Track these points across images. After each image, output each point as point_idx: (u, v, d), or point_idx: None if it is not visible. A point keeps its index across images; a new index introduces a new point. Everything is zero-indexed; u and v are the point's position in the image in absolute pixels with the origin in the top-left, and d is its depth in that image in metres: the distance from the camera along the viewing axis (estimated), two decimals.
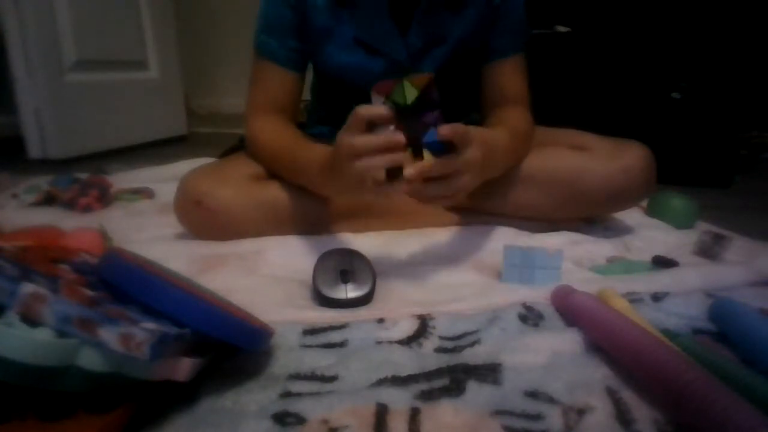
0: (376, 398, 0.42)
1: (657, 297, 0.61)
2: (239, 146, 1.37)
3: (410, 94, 0.54)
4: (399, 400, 0.42)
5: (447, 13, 0.81)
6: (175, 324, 0.39)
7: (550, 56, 1.45)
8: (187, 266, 0.69)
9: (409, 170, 0.54)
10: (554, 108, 1.08)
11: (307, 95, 0.95)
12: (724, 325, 0.53)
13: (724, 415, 0.35)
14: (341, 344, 0.52)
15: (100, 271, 0.44)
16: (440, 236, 0.82)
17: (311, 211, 0.80)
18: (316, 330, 0.54)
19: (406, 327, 0.55)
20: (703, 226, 0.92)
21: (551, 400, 0.42)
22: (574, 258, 0.75)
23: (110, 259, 0.44)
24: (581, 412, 0.41)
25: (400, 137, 0.54)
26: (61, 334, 0.34)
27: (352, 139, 0.56)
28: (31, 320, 0.34)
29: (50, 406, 0.34)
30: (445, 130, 0.54)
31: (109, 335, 0.35)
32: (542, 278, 0.65)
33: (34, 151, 1.53)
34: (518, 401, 0.42)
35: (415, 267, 0.72)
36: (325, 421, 0.39)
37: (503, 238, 0.80)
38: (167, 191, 0.97)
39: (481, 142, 0.60)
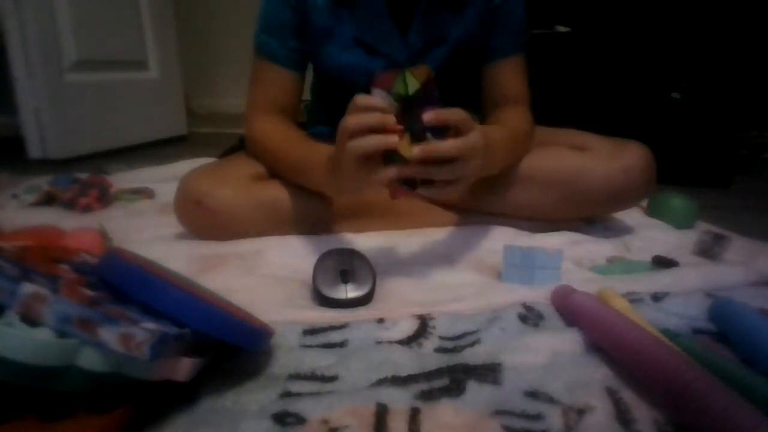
0: (376, 398, 0.42)
1: (657, 297, 0.61)
2: (239, 146, 1.37)
3: (412, 84, 0.54)
4: (399, 400, 0.42)
5: (447, 13, 0.81)
6: (175, 324, 0.39)
7: (550, 56, 1.45)
8: (187, 266, 0.69)
9: (416, 150, 0.54)
10: (554, 108, 1.09)
11: (307, 95, 0.95)
12: (724, 325, 0.53)
13: (724, 415, 0.35)
14: (341, 344, 0.52)
15: (100, 271, 0.44)
16: (440, 236, 0.82)
17: (311, 211, 0.80)
18: (316, 330, 0.54)
19: (406, 327, 0.55)
20: (703, 226, 0.92)
21: (551, 400, 0.42)
22: (574, 258, 0.75)
23: (110, 259, 0.44)
24: (581, 412, 0.41)
25: (390, 117, 0.54)
26: (61, 334, 0.34)
27: (347, 120, 0.56)
28: (31, 320, 0.34)
29: (50, 406, 0.34)
30: (447, 113, 0.54)
31: (109, 335, 0.35)
32: (542, 278, 0.65)
33: (34, 151, 1.53)
34: (518, 401, 0.42)
35: (415, 267, 0.72)
36: (325, 421, 0.39)
37: (503, 238, 0.80)
38: (167, 191, 0.97)
39: (482, 132, 0.60)
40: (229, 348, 0.45)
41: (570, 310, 0.56)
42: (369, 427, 0.39)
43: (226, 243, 0.76)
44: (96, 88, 1.66)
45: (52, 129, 1.53)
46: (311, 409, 0.41)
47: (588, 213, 0.87)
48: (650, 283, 0.65)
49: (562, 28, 1.46)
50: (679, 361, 0.41)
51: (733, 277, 0.67)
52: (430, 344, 0.52)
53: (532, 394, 0.43)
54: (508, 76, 0.87)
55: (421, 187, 0.59)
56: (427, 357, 0.50)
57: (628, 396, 0.43)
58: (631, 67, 1.41)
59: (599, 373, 0.46)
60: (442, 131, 0.57)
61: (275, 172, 0.80)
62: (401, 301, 0.62)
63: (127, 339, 0.35)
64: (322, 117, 0.96)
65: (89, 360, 0.34)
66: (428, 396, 0.43)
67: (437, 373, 0.46)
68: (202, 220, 0.76)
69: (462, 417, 0.40)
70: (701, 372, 0.39)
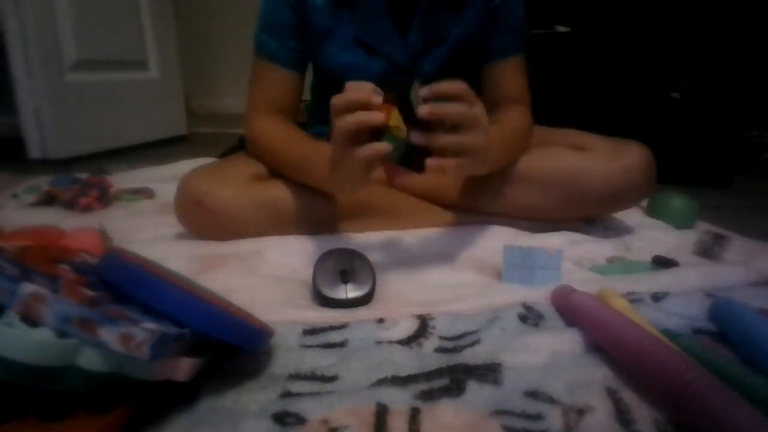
0: (376, 398, 0.42)
1: (657, 297, 0.61)
2: (239, 146, 1.37)
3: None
4: (399, 400, 0.42)
5: (447, 13, 0.81)
6: (175, 324, 0.39)
7: (550, 56, 1.45)
8: (187, 266, 0.69)
9: (425, 89, 0.54)
10: (554, 108, 1.09)
11: (307, 95, 0.95)
12: (724, 325, 0.53)
13: (724, 415, 0.35)
14: (341, 344, 0.52)
15: (100, 271, 0.44)
16: (440, 236, 0.82)
17: (311, 211, 0.80)
18: (316, 330, 0.54)
19: (406, 327, 0.55)
20: (703, 226, 0.92)
21: (551, 400, 0.42)
22: (574, 258, 0.75)
23: (110, 259, 0.44)
24: (581, 412, 0.41)
25: (377, 98, 0.55)
26: (61, 334, 0.34)
27: (333, 100, 0.57)
28: (31, 320, 0.34)
29: (50, 406, 0.34)
30: (446, 84, 0.55)
31: (109, 335, 0.35)
32: (542, 278, 0.65)
33: (34, 151, 1.53)
34: (518, 401, 0.42)
35: (415, 267, 0.72)
36: (325, 421, 0.39)
37: (503, 238, 0.80)
38: (167, 191, 0.97)
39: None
40: (229, 348, 0.45)
41: (570, 310, 0.56)
42: (369, 427, 0.39)
43: (226, 243, 0.76)
44: (96, 88, 1.66)
45: (52, 129, 1.53)
46: (311, 409, 0.41)
47: (588, 213, 0.87)
48: (650, 283, 0.65)
49: (562, 28, 1.46)
50: (679, 361, 0.41)
51: (733, 277, 0.67)
52: (430, 344, 0.52)
53: (532, 394, 0.43)
54: (508, 76, 0.87)
55: (429, 160, 0.57)
56: (427, 357, 0.50)
57: (628, 396, 0.43)
58: (631, 67, 1.41)
59: (599, 373, 0.46)
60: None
61: (277, 171, 0.80)
62: (401, 301, 0.62)
63: (127, 339, 0.35)
64: (322, 117, 0.96)
65: (89, 360, 0.34)
66: (428, 396, 0.43)
67: (437, 373, 0.46)
68: (202, 220, 0.76)
69: (462, 417, 0.41)
70: (701, 372, 0.39)
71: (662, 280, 0.65)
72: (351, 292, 0.60)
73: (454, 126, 0.58)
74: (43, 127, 1.52)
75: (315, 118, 0.98)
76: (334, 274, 0.61)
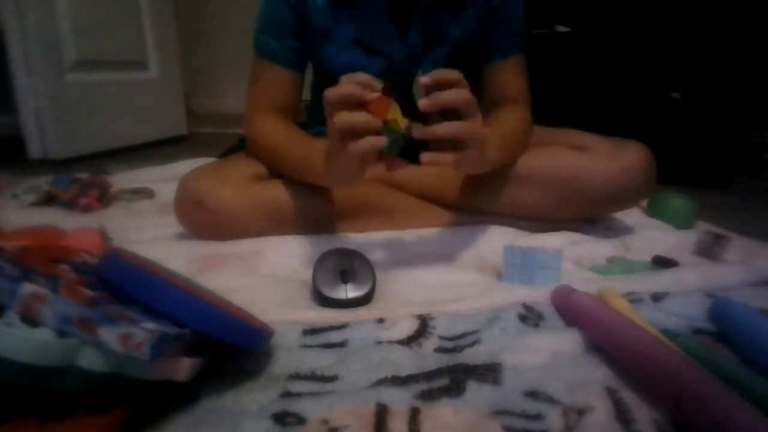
0: (376, 398, 0.42)
1: (657, 297, 0.61)
2: (239, 146, 1.37)
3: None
4: (399, 400, 0.42)
5: (447, 13, 0.81)
6: (175, 324, 0.39)
7: (550, 56, 1.45)
8: (187, 266, 0.69)
9: (426, 78, 0.54)
10: (554, 108, 1.09)
11: (307, 95, 0.95)
12: (724, 325, 0.53)
13: (724, 415, 0.35)
14: (341, 344, 0.52)
15: (100, 271, 0.44)
16: (440, 236, 0.82)
17: (311, 211, 0.80)
18: (316, 330, 0.54)
19: (406, 327, 0.55)
20: (703, 226, 0.92)
21: (551, 400, 0.42)
22: (574, 258, 0.75)
23: (110, 259, 0.44)
24: (581, 412, 0.41)
25: (371, 94, 0.54)
26: (61, 334, 0.34)
27: (325, 95, 0.56)
28: (31, 320, 0.34)
29: (50, 406, 0.34)
30: (445, 72, 0.55)
31: (109, 335, 0.35)
32: (542, 278, 0.65)
33: (34, 151, 1.53)
34: (518, 401, 0.42)
35: (415, 267, 0.72)
36: (325, 421, 0.39)
37: (503, 238, 0.80)
38: (167, 191, 0.97)
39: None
40: (229, 348, 0.45)
41: (570, 310, 0.56)
42: (369, 427, 0.39)
43: (226, 243, 0.76)
44: (96, 88, 1.66)
45: (52, 129, 1.53)
46: (311, 409, 0.41)
47: (588, 213, 0.87)
48: (650, 283, 0.65)
49: (562, 28, 1.46)
50: (679, 361, 0.41)
51: (733, 277, 0.67)
52: (430, 344, 0.52)
53: (532, 394, 0.43)
54: (508, 76, 0.87)
55: (423, 154, 0.57)
56: (427, 357, 0.50)
57: (628, 396, 0.43)
58: (631, 67, 1.41)
59: (599, 373, 0.46)
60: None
61: (277, 171, 0.80)
62: (401, 301, 0.62)
63: (127, 339, 0.35)
64: (322, 117, 0.96)
65: (89, 360, 0.34)
66: (428, 396, 0.43)
67: (437, 373, 0.46)
68: (202, 220, 0.76)
69: (462, 417, 0.40)
70: (701, 372, 0.39)
71: (662, 280, 0.65)
72: (351, 292, 0.60)
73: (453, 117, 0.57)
74: (43, 127, 1.52)
75: (315, 118, 0.98)
76: (334, 274, 0.61)
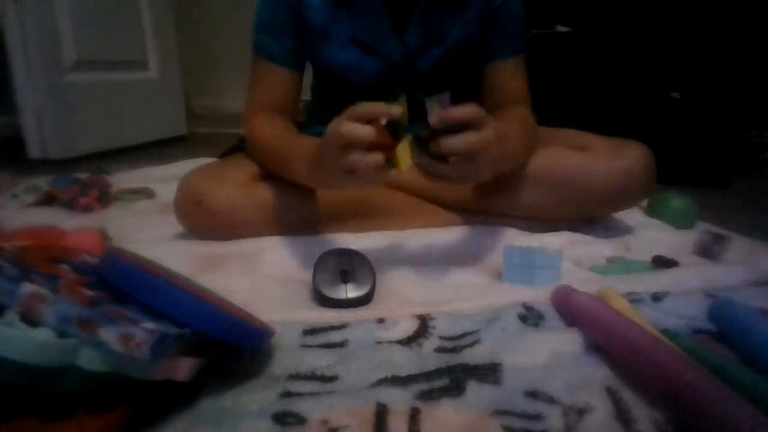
0: (376, 398, 0.42)
1: (657, 297, 0.61)
2: (239, 146, 1.37)
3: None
4: (399, 400, 0.42)
5: (445, 13, 0.81)
6: (175, 324, 0.39)
7: (550, 56, 1.45)
8: (187, 266, 0.69)
9: (434, 118, 0.53)
10: (554, 108, 1.08)
11: (307, 95, 0.95)
12: (724, 325, 0.53)
13: (724, 415, 0.35)
14: (341, 344, 0.52)
15: (100, 271, 0.44)
16: (440, 236, 0.82)
17: (311, 212, 0.80)
18: (316, 330, 0.54)
19: (406, 327, 0.55)
20: (703, 226, 0.92)
21: (551, 400, 0.42)
22: (574, 258, 0.75)
23: (110, 259, 0.44)
24: (581, 412, 0.41)
25: (386, 137, 0.54)
26: (61, 334, 0.34)
27: (339, 127, 0.55)
28: (31, 320, 0.34)
29: (50, 406, 0.34)
30: (458, 109, 0.54)
31: (109, 335, 0.35)
32: (542, 278, 0.65)
33: (34, 151, 1.53)
34: (518, 401, 0.42)
35: (415, 267, 0.72)
36: (325, 421, 0.39)
37: (503, 238, 0.80)
38: (167, 191, 0.97)
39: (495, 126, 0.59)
40: (229, 348, 0.45)
41: (570, 310, 0.56)
42: (369, 427, 0.39)
43: (226, 243, 0.76)
44: (96, 88, 1.66)
45: (52, 129, 1.53)
46: (311, 409, 0.41)
47: (588, 213, 0.87)
48: (650, 283, 0.65)
49: (562, 28, 1.46)
50: (679, 361, 0.41)
51: (733, 277, 0.67)
52: (430, 344, 0.52)
53: (532, 394, 0.43)
54: (509, 77, 0.87)
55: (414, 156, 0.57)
56: (427, 357, 0.50)
57: (628, 396, 0.43)
58: (631, 67, 1.41)
59: (599, 373, 0.46)
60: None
61: (267, 168, 0.80)
62: (401, 301, 0.62)
63: (127, 339, 0.35)
64: (321, 116, 0.96)
65: (89, 360, 0.34)
66: (428, 396, 0.43)
67: (437, 373, 0.46)
68: (202, 220, 0.76)
69: (462, 417, 0.41)
70: (701, 372, 0.39)
71: (662, 280, 0.65)
72: (351, 292, 0.60)
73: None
74: (43, 127, 1.52)
75: (315, 118, 0.98)
76: (334, 274, 0.61)
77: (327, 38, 0.82)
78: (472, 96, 0.90)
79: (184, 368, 0.39)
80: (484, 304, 0.60)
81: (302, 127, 0.92)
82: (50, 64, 1.51)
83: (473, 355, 0.49)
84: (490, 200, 0.84)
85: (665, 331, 0.51)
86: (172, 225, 0.81)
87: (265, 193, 0.78)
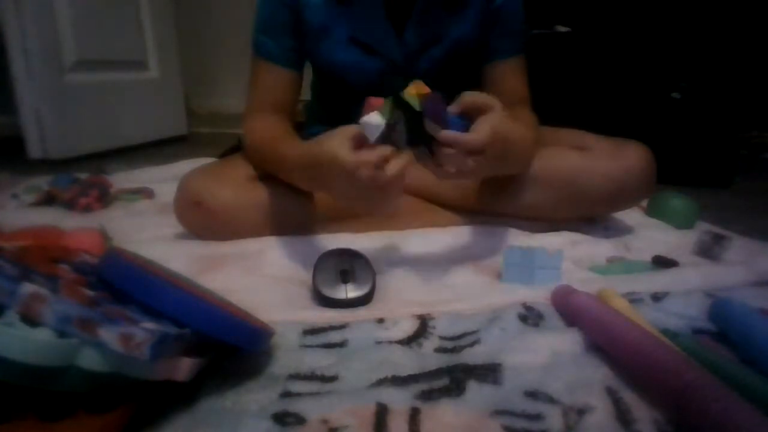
0: (376, 398, 0.42)
1: (657, 297, 0.61)
2: (239, 146, 1.37)
3: (413, 101, 0.55)
4: (399, 400, 0.42)
5: (444, 13, 0.81)
6: (175, 324, 0.39)
7: (550, 56, 1.45)
8: (187, 266, 0.69)
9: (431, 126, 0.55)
10: (554, 108, 1.08)
11: (306, 95, 0.95)
12: (724, 325, 0.53)
13: (724, 415, 0.35)
14: (341, 344, 0.52)
15: (100, 271, 0.44)
16: (440, 236, 0.82)
17: (311, 212, 0.80)
18: (316, 330, 0.54)
19: (406, 327, 0.55)
20: (703, 226, 0.92)
21: (551, 400, 0.42)
22: (574, 258, 0.75)
23: (110, 259, 0.44)
24: (581, 412, 0.41)
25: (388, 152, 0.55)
26: (61, 334, 0.34)
27: (342, 157, 0.55)
28: (31, 320, 0.34)
29: (50, 406, 0.34)
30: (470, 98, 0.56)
31: (109, 335, 0.35)
32: (542, 278, 0.65)
33: (34, 151, 1.53)
34: (518, 401, 0.42)
35: (415, 267, 0.72)
36: (325, 421, 0.39)
37: (503, 238, 0.80)
38: (167, 191, 0.97)
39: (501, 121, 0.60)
40: (229, 348, 0.45)
41: (570, 310, 0.56)
42: (369, 427, 0.39)
43: (226, 243, 0.76)
44: (96, 88, 1.66)
45: (52, 129, 1.53)
46: (311, 409, 0.41)
47: (588, 213, 0.87)
48: (650, 283, 0.65)
49: (562, 28, 1.46)
50: (679, 361, 0.41)
51: (733, 277, 0.67)
52: (430, 344, 0.52)
53: (532, 394, 0.43)
54: (510, 77, 0.87)
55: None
56: (427, 357, 0.50)
57: (628, 396, 0.43)
58: (631, 67, 1.41)
59: (599, 373, 0.46)
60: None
61: (262, 168, 0.80)
62: (401, 301, 0.62)
63: (127, 339, 0.35)
64: (321, 116, 0.96)
65: (89, 360, 0.34)
66: (428, 396, 0.43)
67: (437, 373, 0.46)
68: (202, 220, 0.76)
69: (462, 417, 0.40)
70: (701, 372, 0.39)
71: (662, 280, 0.65)
72: (351, 292, 0.60)
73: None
74: (43, 127, 1.52)
75: (314, 118, 0.98)
76: (334, 274, 0.61)
77: (326, 38, 0.82)
78: None
79: (184, 368, 0.39)
80: (484, 304, 0.60)
81: (302, 127, 0.92)
82: (50, 64, 1.51)
83: (473, 355, 0.49)
84: (490, 200, 0.84)
85: (665, 331, 0.51)
86: (172, 225, 0.81)
87: (264, 193, 0.78)
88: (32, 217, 0.93)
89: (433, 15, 0.80)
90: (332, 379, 0.46)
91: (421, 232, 0.83)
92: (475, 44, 0.84)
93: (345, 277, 0.61)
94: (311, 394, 0.43)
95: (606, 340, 0.48)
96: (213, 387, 0.44)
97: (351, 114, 0.61)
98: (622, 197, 0.81)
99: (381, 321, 0.56)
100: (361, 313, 0.59)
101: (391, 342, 0.52)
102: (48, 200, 1.02)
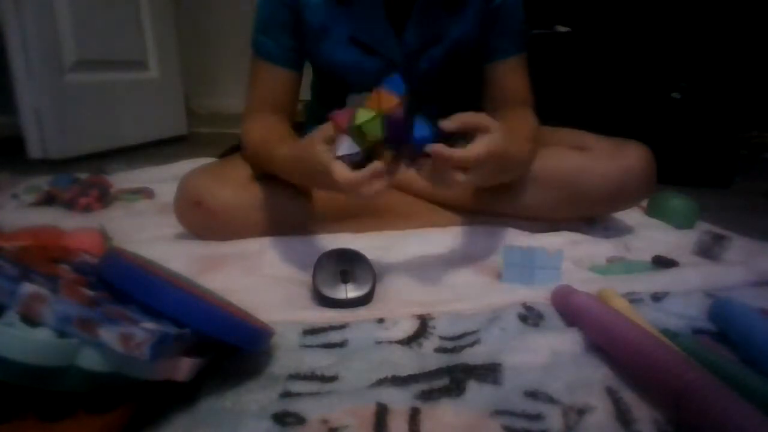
0: (376, 398, 0.42)
1: (657, 297, 0.61)
2: (239, 146, 1.37)
3: (373, 129, 0.53)
4: (399, 400, 0.42)
5: (444, 13, 0.81)
6: (175, 324, 0.39)
7: (550, 56, 1.45)
8: (187, 266, 0.69)
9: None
10: (554, 108, 1.08)
11: (306, 95, 0.94)
12: (724, 325, 0.53)
13: (724, 415, 0.35)
14: (341, 344, 0.52)
15: (100, 271, 0.44)
16: (440, 236, 0.82)
17: (311, 212, 0.80)
18: (316, 330, 0.54)
19: (406, 327, 0.55)
20: (703, 226, 0.92)
21: (551, 400, 0.42)
22: (574, 258, 0.75)
23: (110, 259, 0.44)
24: (581, 412, 0.41)
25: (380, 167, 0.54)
26: (61, 334, 0.34)
27: (335, 177, 0.55)
28: (31, 320, 0.34)
29: (50, 406, 0.34)
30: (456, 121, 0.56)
31: (109, 335, 0.35)
32: (542, 278, 0.65)
33: (34, 151, 1.53)
34: (518, 401, 0.42)
35: (415, 267, 0.72)
36: (325, 421, 0.39)
37: (503, 238, 0.80)
38: (167, 191, 0.97)
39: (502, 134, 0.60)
40: (229, 348, 0.45)
41: (570, 310, 0.56)
42: (369, 427, 0.39)
43: (226, 243, 0.76)
44: (96, 88, 1.66)
45: (52, 129, 1.53)
46: (311, 409, 0.41)
47: (588, 213, 0.87)
48: (650, 283, 0.65)
49: (562, 28, 1.46)
50: (679, 361, 0.41)
51: (733, 277, 0.67)
52: (430, 344, 0.52)
53: (532, 394, 0.43)
54: (510, 77, 0.87)
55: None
56: (427, 357, 0.50)
57: (628, 396, 0.43)
58: (631, 67, 1.41)
59: (599, 373, 0.46)
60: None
61: (258, 167, 0.80)
62: (401, 301, 0.62)
63: (127, 339, 0.35)
64: (321, 116, 0.96)
65: (89, 360, 0.34)
66: (428, 396, 0.43)
67: (437, 373, 0.46)
68: (202, 220, 0.76)
69: (462, 417, 0.41)
70: (701, 372, 0.39)
71: (662, 280, 0.65)
72: (351, 292, 0.60)
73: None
74: (43, 127, 1.52)
75: (314, 118, 0.98)
76: (334, 274, 0.61)
77: (326, 38, 0.81)
78: (472, 96, 0.90)
79: (184, 368, 0.39)
80: (484, 304, 0.60)
81: (302, 127, 0.92)
82: (50, 64, 1.51)
83: (473, 355, 0.49)
84: (490, 200, 0.84)
85: (665, 331, 0.51)
86: (172, 225, 0.81)
87: (264, 193, 0.78)
88: (32, 217, 0.93)
89: (432, 15, 0.80)
90: (332, 379, 0.46)
91: (421, 232, 0.83)
92: (474, 44, 0.84)
93: (345, 277, 0.61)
94: (311, 394, 0.43)
95: (606, 340, 0.48)
96: (213, 387, 0.43)
97: None
98: (622, 197, 0.81)
99: (381, 321, 0.56)
100: (361, 313, 0.59)
101: (391, 342, 0.52)
102: (48, 200, 1.02)
